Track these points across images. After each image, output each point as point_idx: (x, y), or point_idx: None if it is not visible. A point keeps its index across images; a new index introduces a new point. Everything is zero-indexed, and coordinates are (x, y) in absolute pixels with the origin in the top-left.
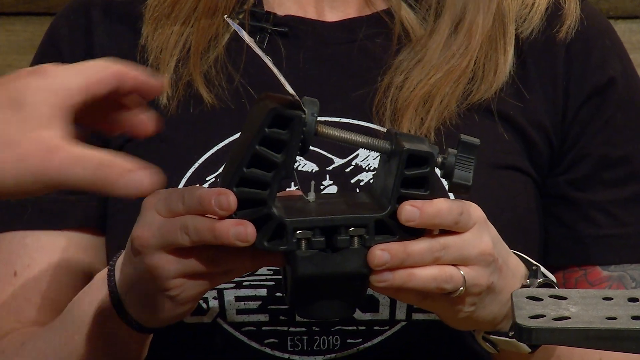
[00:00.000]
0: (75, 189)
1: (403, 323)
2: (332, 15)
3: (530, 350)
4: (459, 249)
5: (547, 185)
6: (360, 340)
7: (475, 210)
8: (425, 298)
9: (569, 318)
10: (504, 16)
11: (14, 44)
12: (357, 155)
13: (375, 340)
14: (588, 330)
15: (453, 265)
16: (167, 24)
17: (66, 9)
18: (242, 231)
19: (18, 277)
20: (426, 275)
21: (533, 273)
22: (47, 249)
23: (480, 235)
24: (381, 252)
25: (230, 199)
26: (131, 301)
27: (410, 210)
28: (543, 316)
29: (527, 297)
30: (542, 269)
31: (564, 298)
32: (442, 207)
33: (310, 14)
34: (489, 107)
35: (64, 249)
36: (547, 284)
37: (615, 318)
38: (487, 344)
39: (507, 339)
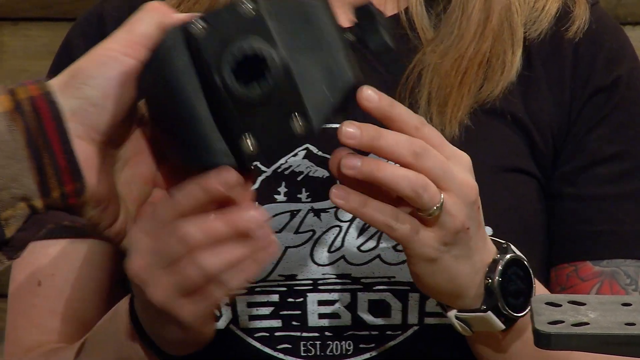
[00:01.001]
0: None
1: (415, 327)
2: (346, 21)
3: (504, 327)
4: (441, 161)
5: (547, 185)
6: (373, 345)
7: (460, 152)
8: (390, 210)
9: (588, 324)
10: (512, 19)
11: (30, 49)
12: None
13: (388, 345)
14: (607, 336)
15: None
16: None
17: (81, 19)
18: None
19: (42, 287)
20: (400, 172)
21: (503, 249)
22: (71, 257)
23: (465, 169)
24: (351, 124)
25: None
26: (152, 332)
27: (371, 94)
28: (562, 322)
29: (546, 303)
30: (512, 247)
31: (583, 304)
32: (402, 106)
33: None
34: (496, 108)
35: (88, 257)
36: (517, 260)
37: (634, 324)
38: (460, 324)
39: (481, 314)
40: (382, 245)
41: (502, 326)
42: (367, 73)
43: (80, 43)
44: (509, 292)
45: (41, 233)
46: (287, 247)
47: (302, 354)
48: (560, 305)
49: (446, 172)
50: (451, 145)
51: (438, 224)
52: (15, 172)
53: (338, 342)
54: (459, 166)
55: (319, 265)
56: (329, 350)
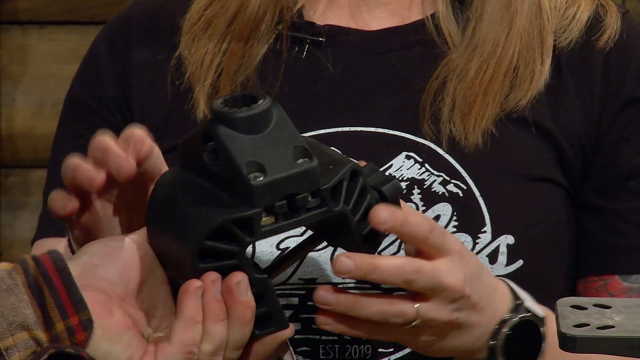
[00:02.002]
0: None
1: None
2: (372, 24)
3: None
4: (432, 277)
5: (576, 195)
6: (392, 349)
7: (451, 240)
8: (377, 327)
9: (613, 327)
10: (542, 27)
11: (57, 53)
12: (391, 165)
13: (407, 350)
14: (632, 339)
15: (416, 295)
16: (202, 40)
17: (108, 24)
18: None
19: None
20: (373, 309)
21: (515, 307)
22: None
23: (455, 267)
24: (345, 259)
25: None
26: None
27: (385, 213)
28: (587, 325)
29: (572, 306)
30: (528, 303)
31: (608, 307)
32: (413, 219)
33: (351, 23)
34: (524, 117)
35: None
36: (528, 321)
37: None
38: None
39: None
40: (403, 251)
41: None
42: (393, 80)
43: (105, 47)
44: (513, 353)
45: None
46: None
47: (321, 357)
48: (586, 308)
49: (435, 285)
50: (453, 238)
51: (422, 328)
52: (12, 302)
53: (357, 346)
54: (451, 264)
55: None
56: (347, 353)
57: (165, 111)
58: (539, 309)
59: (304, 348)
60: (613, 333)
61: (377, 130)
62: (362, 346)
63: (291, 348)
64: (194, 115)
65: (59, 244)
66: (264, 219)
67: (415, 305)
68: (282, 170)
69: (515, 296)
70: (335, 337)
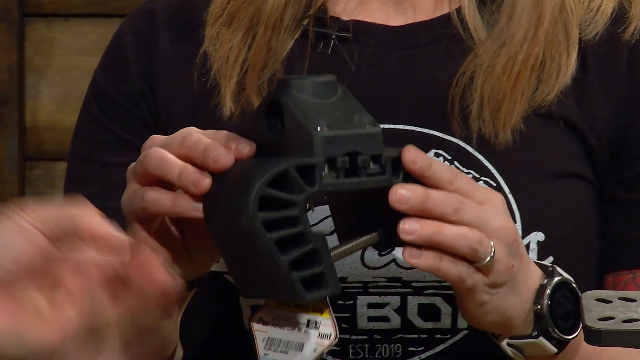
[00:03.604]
0: None
1: (465, 332)
2: (398, 20)
3: (556, 350)
4: (477, 210)
5: (602, 189)
6: (422, 348)
7: (482, 189)
8: (457, 263)
9: (638, 320)
10: (567, 20)
11: (82, 46)
12: None
13: (437, 349)
14: None
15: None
16: (227, 35)
17: (132, 15)
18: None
19: None
20: (456, 230)
21: (549, 273)
22: None
23: (499, 212)
24: (402, 189)
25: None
26: None
27: (414, 152)
28: (612, 318)
29: (596, 300)
30: (558, 269)
31: (633, 300)
32: (438, 163)
33: (376, 18)
34: (551, 112)
35: None
36: (564, 282)
37: None
38: (512, 350)
39: (533, 340)
40: None
41: (554, 349)
42: (420, 76)
43: (130, 40)
44: (558, 316)
45: None
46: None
47: (351, 356)
48: (611, 302)
49: (484, 220)
50: (484, 188)
51: (490, 269)
52: None
53: (387, 345)
54: (494, 209)
55: (369, 268)
56: (377, 353)
57: (190, 108)
58: (567, 274)
59: (334, 347)
60: (638, 326)
61: (404, 128)
62: (392, 345)
63: (331, 308)
64: (220, 112)
65: None
66: (325, 173)
67: (491, 242)
68: (346, 128)
69: (542, 265)
70: (366, 337)
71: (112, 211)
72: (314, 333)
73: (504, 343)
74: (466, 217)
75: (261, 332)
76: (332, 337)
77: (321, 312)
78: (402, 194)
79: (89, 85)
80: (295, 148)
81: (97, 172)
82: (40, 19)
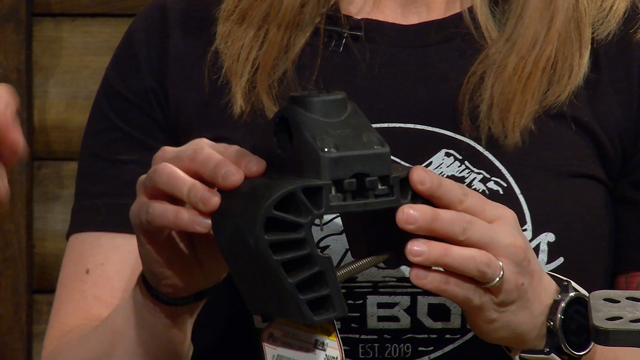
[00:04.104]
0: None
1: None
2: (410, 19)
3: None
4: (487, 229)
5: (614, 189)
6: (432, 348)
7: (493, 206)
8: (464, 284)
9: None
10: (580, 20)
11: (91, 45)
12: (430, 162)
13: (447, 349)
14: None
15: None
16: (238, 33)
17: (143, 12)
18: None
19: (90, 274)
20: (464, 253)
21: (564, 288)
22: (123, 250)
23: (510, 229)
24: (409, 209)
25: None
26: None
27: (422, 173)
28: (620, 318)
29: (604, 299)
30: (573, 283)
31: None
32: (448, 181)
33: (388, 17)
34: (563, 113)
35: (137, 253)
36: (578, 298)
37: None
38: None
39: (544, 356)
40: None
41: None
42: (431, 75)
43: (142, 37)
44: (570, 332)
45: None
46: (347, 249)
47: (361, 356)
48: (619, 302)
49: (493, 239)
50: (494, 204)
51: (498, 289)
52: None
53: (396, 345)
54: (505, 226)
55: (379, 267)
56: (387, 353)
57: (200, 105)
58: (582, 289)
59: (344, 347)
60: None
61: (415, 127)
62: (402, 345)
63: (337, 331)
64: (230, 110)
65: (99, 239)
66: (332, 195)
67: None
68: (354, 149)
69: (558, 279)
70: (375, 336)
71: (121, 209)
72: (321, 355)
73: (516, 358)
74: (475, 236)
75: (271, 349)
76: (339, 359)
77: (329, 333)
78: (410, 214)
79: (100, 83)
80: (303, 168)
81: (106, 169)
82: (48, 19)
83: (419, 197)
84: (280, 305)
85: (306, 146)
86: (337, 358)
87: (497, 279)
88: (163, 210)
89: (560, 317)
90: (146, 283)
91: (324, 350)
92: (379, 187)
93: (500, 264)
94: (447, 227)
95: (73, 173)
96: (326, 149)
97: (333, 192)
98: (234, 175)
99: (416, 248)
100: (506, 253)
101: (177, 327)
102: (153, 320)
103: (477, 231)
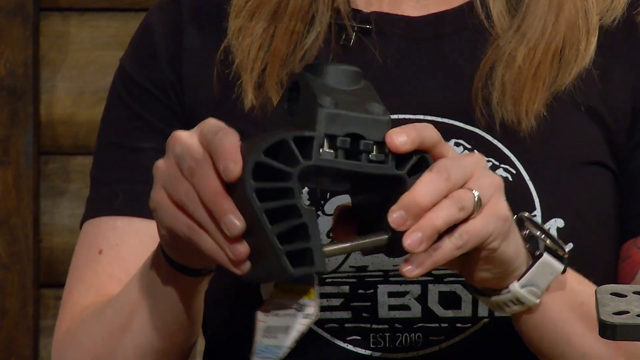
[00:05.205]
0: None
1: (486, 320)
2: (420, 10)
3: (563, 267)
4: (462, 165)
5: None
6: (443, 337)
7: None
8: (459, 242)
9: None
10: (587, 7)
11: (98, 40)
12: None
13: (458, 338)
14: None
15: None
16: (249, 28)
17: (158, 5)
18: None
19: (103, 255)
20: (441, 213)
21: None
22: (140, 233)
23: (484, 167)
24: (394, 211)
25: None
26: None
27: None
28: (627, 312)
29: (611, 294)
30: (526, 214)
31: None
32: (421, 124)
33: (397, 9)
34: (572, 99)
35: (155, 235)
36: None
37: None
38: (528, 293)
39: (539, 261)
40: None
41: (561, 266)
42: (443, 67)
43: (158, 29)
44: (547, 234)
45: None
46: None
47: (372, 345)
48: (626, 296)
49: (470, 169)
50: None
51: (484, 212)
52: None
53: (408, 334)
54: (477, 160)
55: (389, 256)
56: (398, 342)
57: (213, 100)
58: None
59: (355, 337)
60: None
61: (425, 118)
62: (413, 334)
63: (317, 287)
64: (241, 105)
65: (115, 222)
66: (323, 150)
67: (472, 190)
68: (354, 110)
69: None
70: (386, 326)
71: (140, 195)
72: (299, 315)
73: (516, 288)
74: (455, 178)
75: (262, 323)
76: (312, 316)
77: (308, 293)
78: (397, 216)
79: (115, 74)
80: (302, 123)
81: (126, 157)
82: (55, 13)
83: (417, 170)
84: (264, 263)
85: (309, 103)
86: (311, 314)
87: (476, 199)
88: (212, 245)
89: (531, 224)
90: (166, 255)
91: (302, 311)
92: (375, 153)
93: (473, 190)
94: (435, 198)
95: (80, 168)
96: (326, 105)
97: (326, 147)
98: (233, 171)
99: (411, 241)
100: (483, 174)
101: (196, 296)
102: (171, 291)
103: (455, 172)
